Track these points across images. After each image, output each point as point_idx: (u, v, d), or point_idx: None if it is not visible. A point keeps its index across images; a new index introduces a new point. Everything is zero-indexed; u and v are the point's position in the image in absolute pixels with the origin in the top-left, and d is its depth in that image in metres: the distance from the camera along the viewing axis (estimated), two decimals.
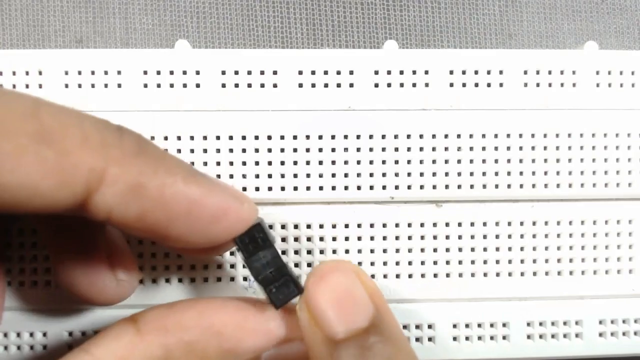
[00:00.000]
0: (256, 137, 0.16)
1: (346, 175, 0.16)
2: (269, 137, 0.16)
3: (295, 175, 0.16)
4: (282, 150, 0.16)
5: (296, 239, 0.16)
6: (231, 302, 0.13)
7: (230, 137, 0.16)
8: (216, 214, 0.12)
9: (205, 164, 0.16)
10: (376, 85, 0.16)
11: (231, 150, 0.16)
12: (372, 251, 0.16)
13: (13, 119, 0.10)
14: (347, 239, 0.16)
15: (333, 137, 0.16)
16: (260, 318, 0.13)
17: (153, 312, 0.13)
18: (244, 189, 0.16)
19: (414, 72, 0.16)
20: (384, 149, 0.16)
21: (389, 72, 0.16)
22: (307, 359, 0.13)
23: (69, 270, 0.14)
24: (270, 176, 0.16)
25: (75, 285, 0.14)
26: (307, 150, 0.16)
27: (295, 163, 0.16)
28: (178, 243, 0.12)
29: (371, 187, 0.16)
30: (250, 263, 0.13)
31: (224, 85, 0.16)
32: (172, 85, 0.16)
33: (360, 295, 0.13)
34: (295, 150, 0.16)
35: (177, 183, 0.12)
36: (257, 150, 0.16)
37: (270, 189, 0.16)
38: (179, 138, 0.16)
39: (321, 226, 0.16)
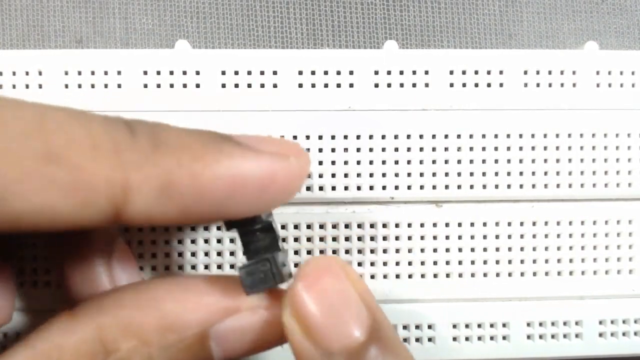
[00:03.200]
0: None
1: (346, 175, 0.16)
2: None
3: None
4: None
5: (296, 239, 0.16)
6: (173, 279, 0.13)
7: None
8: (263, 183, 0.11)
9: None
10: (376, 86, 0.16)
11: None
12: (372, 251, 0.16)
13: (16, 139, 0.09)
14: (347, 239, 0.16)
15: (333, 137, 0.16)
16: (199, 291, 0.12)
17: (91, 298, 0.12)
18: None
19: (414, 73, 0.16)
20: (384, 149, 0.16)
21: (389, 73, 0.16)
22: (259, 329, 0.12)
23: (67, 270, 0.13)
24: None
25: (73, 286, 0.14)
26: (307, 150, 0.16)
27: None
28: (238, 216, 0.12)
29: (371, 187, 0.16)
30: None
31: (224, 86, 0.16)
32: (172, 86, 0.16)
33: (356, 302, 0.12)
34: None
35: (207, 167, 0.10)
36: None
37: None
38: None
39: (321, 226, 0.16)
